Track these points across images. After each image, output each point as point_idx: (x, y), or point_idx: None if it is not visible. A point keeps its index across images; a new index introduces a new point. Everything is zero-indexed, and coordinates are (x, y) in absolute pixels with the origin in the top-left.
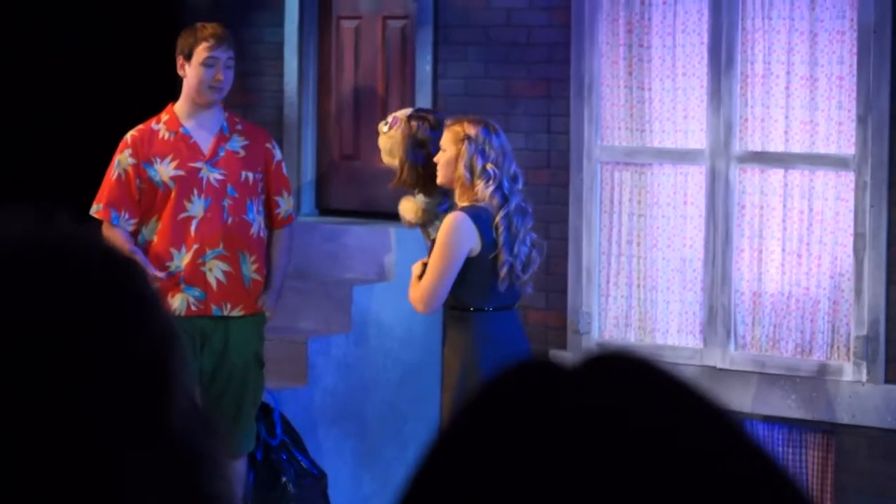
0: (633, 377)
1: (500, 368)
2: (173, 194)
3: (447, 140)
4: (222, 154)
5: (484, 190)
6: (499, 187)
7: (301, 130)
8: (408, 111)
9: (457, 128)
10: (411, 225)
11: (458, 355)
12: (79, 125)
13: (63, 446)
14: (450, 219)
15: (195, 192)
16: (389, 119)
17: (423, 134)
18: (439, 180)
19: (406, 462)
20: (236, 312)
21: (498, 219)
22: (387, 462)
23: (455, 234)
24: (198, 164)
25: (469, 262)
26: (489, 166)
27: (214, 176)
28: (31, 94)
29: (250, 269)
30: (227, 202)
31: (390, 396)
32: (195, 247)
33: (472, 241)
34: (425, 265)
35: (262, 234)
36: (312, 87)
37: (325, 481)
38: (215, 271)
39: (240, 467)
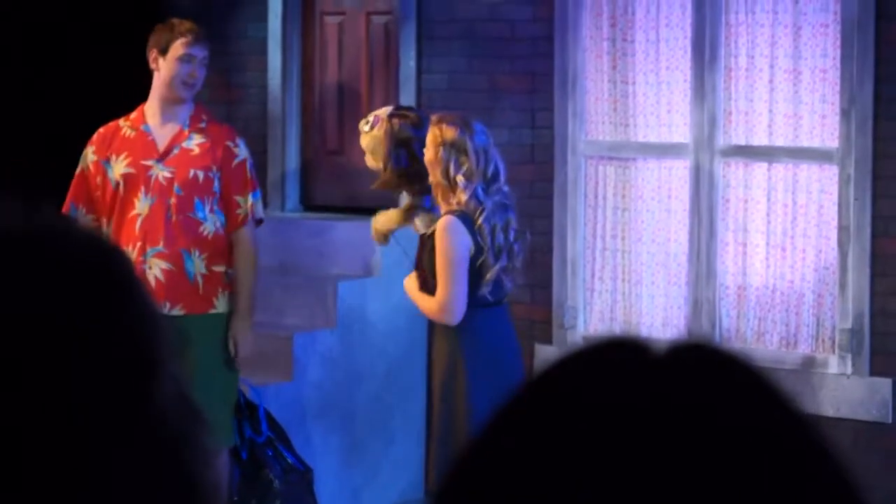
0: (720, 372)
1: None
2: (122, 192)
3: (429, 140)
4: (175, 152)
5: (461, 196)
6: (473, 194)
7: (285, 126)
8: (388, 109)
9: (436, 130)
10: (381, 241)
11: (445, 355)
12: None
13: (44, 433)
14: (444, 224)
15: (142, 189)
16: (370, 118)
17: (405, 132)
18: (430, 178)
19: (392, 456)
20: (177, 311)
21: (479, 223)
22: (373, 456)
23: (453, 236)
24: (149, 163)
25: None
26: (460, 178)
27: (163, 174)
28: (7, 95)
29: (199, 265)
30: (171, 200)
31: (376, 391)
32: (138, 244)
33: (468, 242)
34: (423, 276)
35: (221, 231)
36: (296, 83)
37: (311, 476)
38: (154, 269)
39: (222, 459)
